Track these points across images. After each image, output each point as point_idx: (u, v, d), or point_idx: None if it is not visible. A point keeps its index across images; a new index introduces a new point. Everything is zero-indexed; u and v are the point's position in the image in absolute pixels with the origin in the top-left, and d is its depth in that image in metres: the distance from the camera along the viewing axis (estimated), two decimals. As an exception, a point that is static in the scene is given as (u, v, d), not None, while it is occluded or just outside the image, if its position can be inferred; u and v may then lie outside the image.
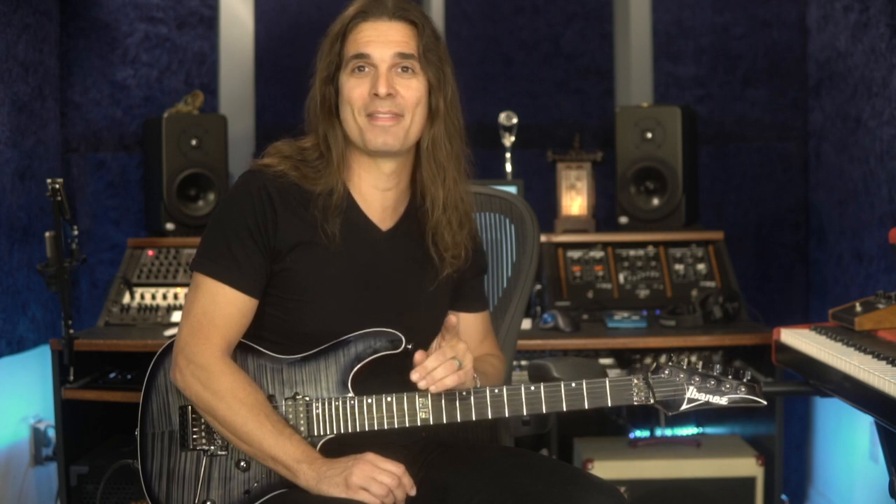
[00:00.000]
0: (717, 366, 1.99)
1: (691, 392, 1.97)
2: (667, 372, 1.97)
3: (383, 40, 2.02)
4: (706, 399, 1.97)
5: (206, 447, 2.02)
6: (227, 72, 4.12)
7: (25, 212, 3.61)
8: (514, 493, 1.93)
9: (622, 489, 1.98)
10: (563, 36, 4.22)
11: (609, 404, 1.98)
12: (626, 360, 3.41)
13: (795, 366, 2.58)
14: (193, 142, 3.73)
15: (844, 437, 3.71)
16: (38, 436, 3.67)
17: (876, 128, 3.47)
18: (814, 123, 4.07)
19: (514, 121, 3.72)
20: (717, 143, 4.18)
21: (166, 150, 3.71)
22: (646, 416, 3.92)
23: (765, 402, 1.98)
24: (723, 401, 1.97)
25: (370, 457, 1.93)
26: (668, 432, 3.86)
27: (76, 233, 3.25)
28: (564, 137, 4.10)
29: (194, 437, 2.02)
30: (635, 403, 1.98)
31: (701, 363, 2.00)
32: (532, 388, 1.98)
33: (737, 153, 4.18)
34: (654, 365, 1.99)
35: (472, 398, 1.98)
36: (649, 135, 3.75)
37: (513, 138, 3.74)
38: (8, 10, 3.52)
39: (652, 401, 1.97)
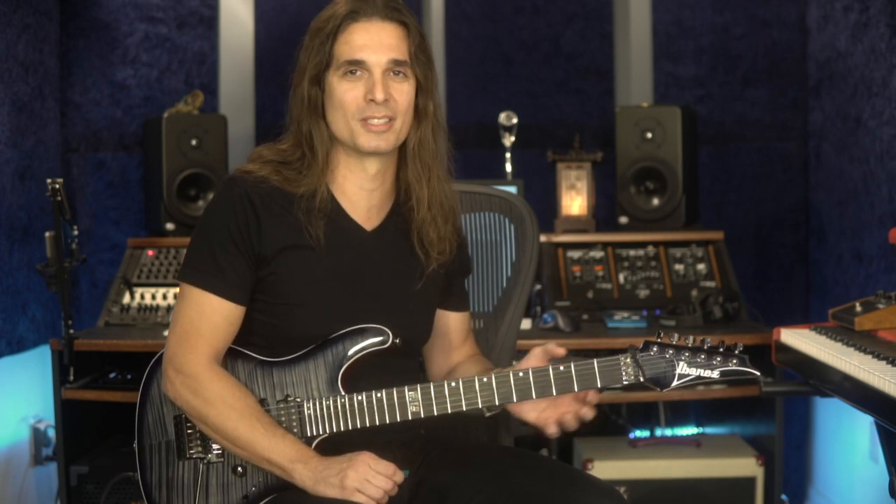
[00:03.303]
0: (708, 340, 1.95)
1: (681, 368, 1.94)
2: (655, 349, 1.95)
3: (377, 45, 2.00)
4: (697, 374, 1.94)
5: (202, 455, 2.02)
6: (227, 72, 4.12)
7: (25, 212, 3.61)
8: (514, 493, 1.93)
9: (622, 489, 1.98)
10: (563, 36, 4.22)
11: (599, 385, 1.96)
12: (626, 360, 3.41)
13: (795, 366, 2.58)
14: (193, 142, 3.73)
15: (844, 437, 3.71)
16: (38, 436, 3.67)
17: (876, 128, 3.47)
18: (814, 123, 4.07)
19: (514, 121, 3.72)
20: (717, 143, 4.18)
21: (166, 150, 3.71)
22: (646, 415, 3.92)
23: (758, 373, 1.95)
24: (714, 374, 1.94)
25: (365, 457, 1.93)
26: (668, 432, 3.86)
27: (76, 233, 3.25)
28: (564, 137, 4.10)
29: (190, 445, 2.03)
30: (625, 383, 1.95)
31: (691, 338, 1.96)
32: (521, 374, 1.98)
33: (737, 153, 4.18)
34: (643, 343, 1.96)
35: (461, 388, 1.98)
36: (649, 135, 3.75)
37: (513, 138, 3.74)
38: (8, 10, 3.52)
39: (642, 379, 1.94)
